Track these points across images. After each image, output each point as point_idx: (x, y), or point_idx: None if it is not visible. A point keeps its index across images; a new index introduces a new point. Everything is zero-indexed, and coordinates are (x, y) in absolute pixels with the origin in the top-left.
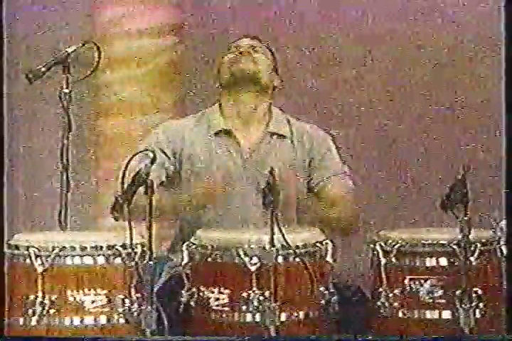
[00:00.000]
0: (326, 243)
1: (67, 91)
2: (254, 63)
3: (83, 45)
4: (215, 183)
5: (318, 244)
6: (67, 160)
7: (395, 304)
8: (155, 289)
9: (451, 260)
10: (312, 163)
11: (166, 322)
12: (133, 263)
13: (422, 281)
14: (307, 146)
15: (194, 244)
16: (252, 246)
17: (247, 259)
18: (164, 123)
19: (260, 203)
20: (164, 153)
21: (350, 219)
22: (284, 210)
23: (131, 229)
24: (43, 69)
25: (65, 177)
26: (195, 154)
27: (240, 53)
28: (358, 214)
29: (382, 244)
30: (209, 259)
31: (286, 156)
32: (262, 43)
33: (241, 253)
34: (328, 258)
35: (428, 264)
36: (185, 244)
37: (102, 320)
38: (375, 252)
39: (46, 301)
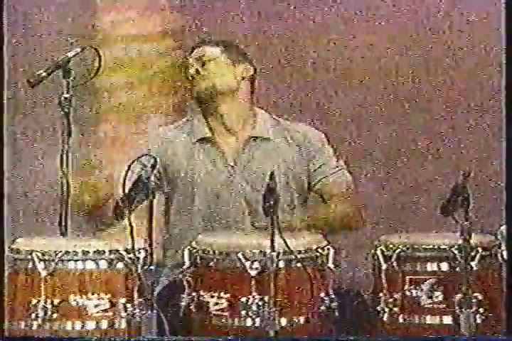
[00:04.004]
0: (328, 248)
1: (67, 95)
2: (207, 79)
3: (83, 49)
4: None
5: (319, 250)
6: (68, 164)
7: (396, 309)
8: (155, 294)
9: (452, 265)
10: (309, 163)
11: (166, 327)
12: (135, 268)
13: (423, 286)
14: (301, 146)
15: (195, 248)
16: (252, 250)
17: (247, 264)
18: (151, 133)
19: (248, 210)
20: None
21: (353, 214)
22: (281, 214)
23: (133, 233)
24: (44, 73)
25: (65, 181)
26: (179, 162)
27: (191, 77)
28: (360, 208)
29: (383, 248)
30: (210, 264)
31: (275, 159)
32: (218, 45)
33: (241, 257)
34: (330, 264)
35: (429, 269)
36: (186, 249)
37: (104, 324)
38: (376, 257)
39: (48, 305)
